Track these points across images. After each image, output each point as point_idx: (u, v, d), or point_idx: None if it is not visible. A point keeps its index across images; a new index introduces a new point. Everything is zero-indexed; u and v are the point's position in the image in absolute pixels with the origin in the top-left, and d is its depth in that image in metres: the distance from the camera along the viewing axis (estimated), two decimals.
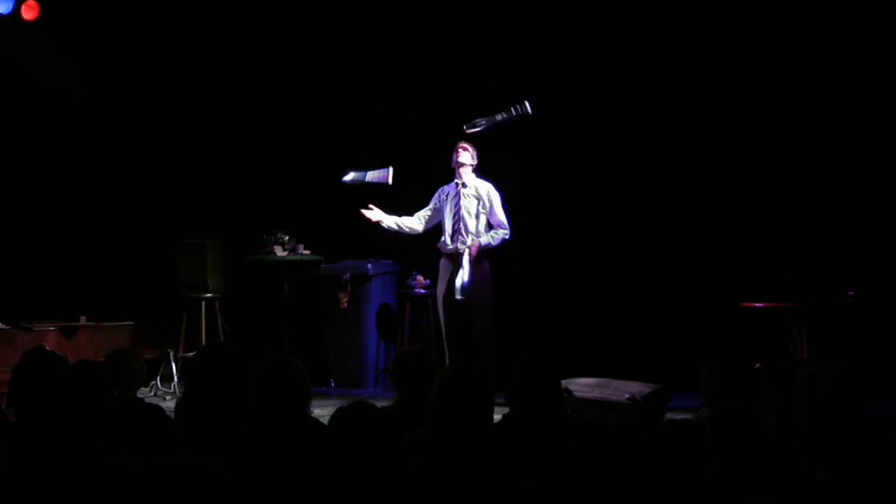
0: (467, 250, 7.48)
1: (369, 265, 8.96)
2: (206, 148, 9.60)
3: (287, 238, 8.87)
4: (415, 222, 7.81)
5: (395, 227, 7.82)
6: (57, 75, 9.12)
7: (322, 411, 4.94)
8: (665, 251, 8.56)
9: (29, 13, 8.83)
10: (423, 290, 8.71)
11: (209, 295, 8.79)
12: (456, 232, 7.60)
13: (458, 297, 7.40)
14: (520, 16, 8.66)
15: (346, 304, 8.91)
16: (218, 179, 9.60)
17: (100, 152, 9.66)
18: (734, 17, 8.18)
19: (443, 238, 7.68)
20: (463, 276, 7.42)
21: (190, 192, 9.60)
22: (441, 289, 7.66)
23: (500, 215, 7.62)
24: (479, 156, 7.67)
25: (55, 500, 2.99)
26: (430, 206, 7.80)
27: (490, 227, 7.63)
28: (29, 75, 9.18)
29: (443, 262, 7.71)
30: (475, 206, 7.60)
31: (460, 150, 7.64)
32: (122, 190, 9.70)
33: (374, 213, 7.77)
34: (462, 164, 7.63)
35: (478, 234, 7.57)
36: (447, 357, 7.43)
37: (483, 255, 7.57)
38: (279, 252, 8.86)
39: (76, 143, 9.63)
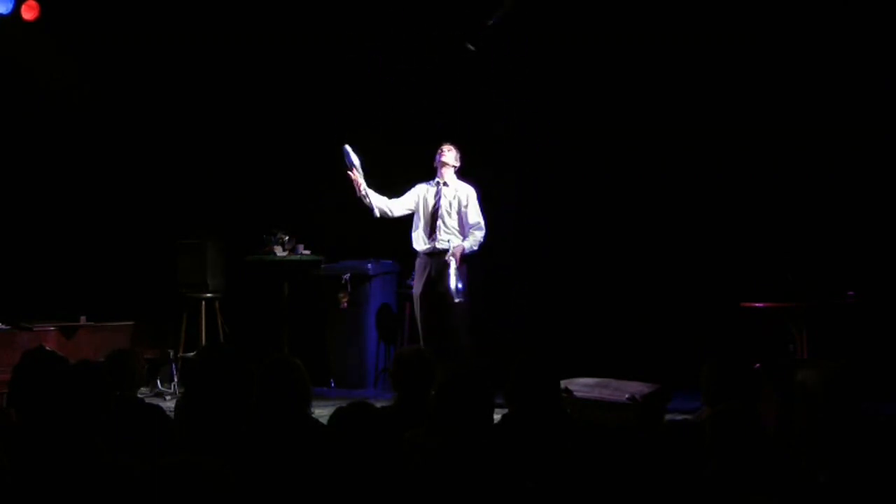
0: (453, 259, 7.48)
1: (369, 265, 8.95)
2: (206, 148, 9.59)
3: (287, 238, 8.87)
4: (396, 207, 7.75)
5: (374, 206, 7.68)
6: (57, 75, 9.10)
7: (322, 411, 4.93)
8: (665, 251, 8.56)
9: (29, 13, 8.82)
10: None
11: (209, 295, 8.79)
12: (434, 230, 7.63)
13: (456, 299, 7.40)
14: (519, 16, 8.64)
15: (346, 304, 8.91)
16: (218, 179, 9.59)
17: (100, 152, 9.65)
18: (734, 17, 8.18)
19: (419, 236, 7.69)
20: (455, 281, 7.42)
21: (190, 192, 9.59)
22: (417, 288, 7.69)
23: (478, 216, 7.66)
24: (462, 158, 7.72)
25: (55, 500, 2.99)
26: (411, 199, 7.77)
27: (462, 227, 7.63)
28: (29, 75, 9.16)
29: (419, 260, 7.74)
30: (455, 206, 7.65)
31: (445, 150, 7.71)
32: (123, 190, 9.68)
33: (358, 178, 7.62)
34: (445, 164, 7.69)
35: (463, 235, 7.58)
36: None
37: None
38: (279, 252, 8.85)
39: (76, 143, 9.62)
